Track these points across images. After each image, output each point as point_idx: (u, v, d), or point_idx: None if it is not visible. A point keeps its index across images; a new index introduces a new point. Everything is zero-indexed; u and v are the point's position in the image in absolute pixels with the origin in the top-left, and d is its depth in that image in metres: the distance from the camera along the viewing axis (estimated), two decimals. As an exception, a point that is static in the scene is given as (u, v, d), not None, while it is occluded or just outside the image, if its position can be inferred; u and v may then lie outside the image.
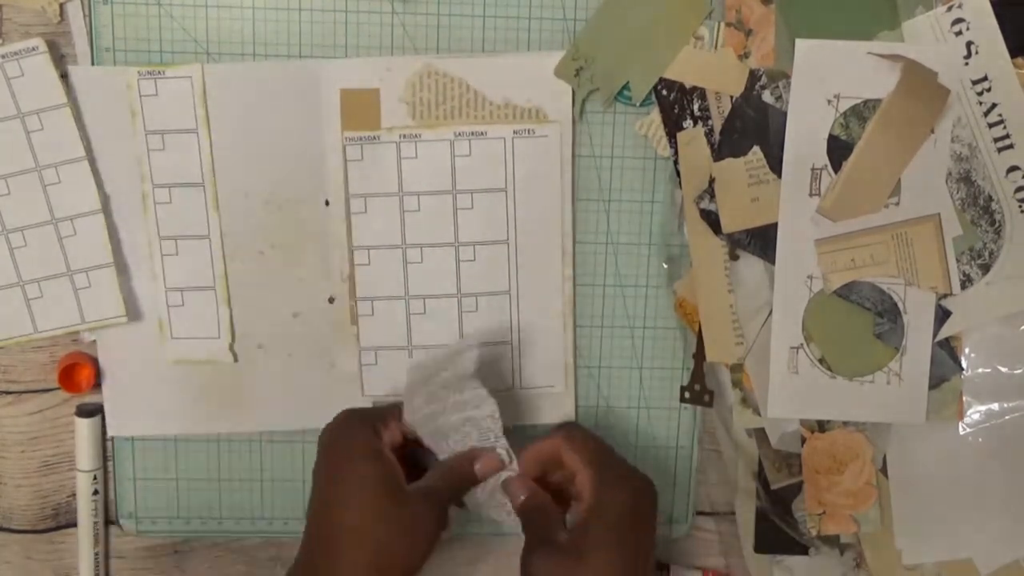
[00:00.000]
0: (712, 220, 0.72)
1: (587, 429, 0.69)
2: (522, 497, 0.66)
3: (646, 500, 0.65)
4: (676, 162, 0.72)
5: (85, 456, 0.75)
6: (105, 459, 0.76)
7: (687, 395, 0.76)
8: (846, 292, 0.72)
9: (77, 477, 0.75)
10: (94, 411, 0.74)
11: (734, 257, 0.73)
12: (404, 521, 0.63)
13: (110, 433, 0.75)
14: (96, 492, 0.76)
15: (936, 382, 0.73)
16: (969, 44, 0.69)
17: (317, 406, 0.74)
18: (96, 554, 0.77)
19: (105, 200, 0.71)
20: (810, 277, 0.72)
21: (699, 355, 0.75)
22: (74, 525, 0.77)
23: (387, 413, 0.69)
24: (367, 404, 0.75)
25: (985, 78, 0.70)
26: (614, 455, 0.67)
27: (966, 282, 0.71)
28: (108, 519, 0.77)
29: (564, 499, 0.68)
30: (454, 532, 0.78)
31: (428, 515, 0.64)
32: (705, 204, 0.72)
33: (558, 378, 0.76)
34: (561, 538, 0.63)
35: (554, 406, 0.77)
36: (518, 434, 0.76)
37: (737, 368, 0.74)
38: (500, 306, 0.74)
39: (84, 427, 0.74)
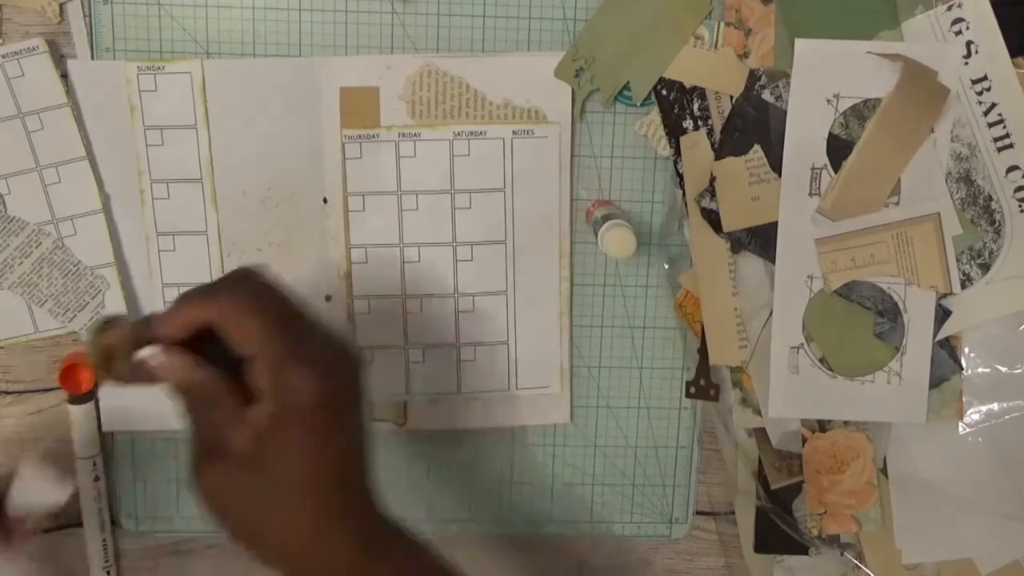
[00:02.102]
0: (713, 219, 0.72)
1: (262, 284, 0.54)
2: (176, 374, 0.51)
3: (346, 377, 0.53)
4: (676, 162, 0.72)
5: (82, 443, 0.75)
6: (105, 459, 0.76)
7: (692, 390, 0.76)
8: (846, 292, 0.72)
9: (77, 465, 0.75)
10: (86, 398, 0.74)
11: (735, 250, 0.72)
12: None
13: (106, 428, 0.75)
14: (97, 479, 0.75)
15: (936, 382, 0.73)
16: (969, 44, 0.69)
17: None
18: (104, 541, 0.77)
19: (105, 200, 0.71)
20: (810, 277, 0.72)
21: (703, 349, 0.74)
22: (74, 525, 0.77)
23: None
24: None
25: (985, 78, 0.69)
26: (298, 323, 0.53)
27: (966, 282, 0.71)
28: (109, 519, 0.77)
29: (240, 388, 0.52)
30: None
31: None
32: (706, 203, 0.72)
33: (554, 379, 0.76)
34: (237, 444, 0.51)
35: (550, 407, 0.77)
36: (517, 433, 0.77)
37: (737, 368, 0.74)
38: (497, 306, 0.74)
39: (78, 413, 0.74)
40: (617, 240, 0.67)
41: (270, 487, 0.51)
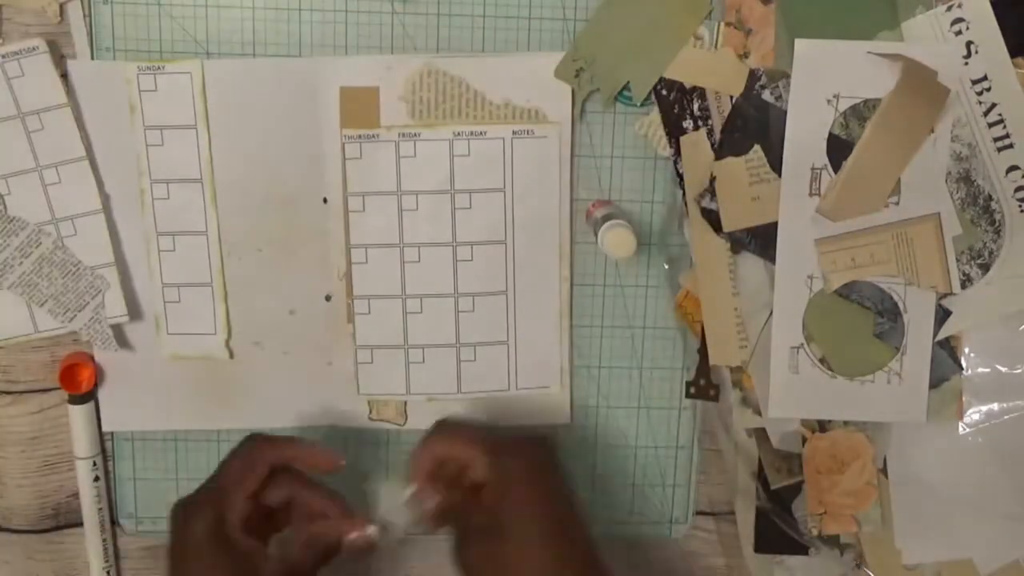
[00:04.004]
0: (713, 219, 0.72)
1: (460, 418, 0.69)
2: (431, 505, 0.65)
3: (542, 453, 0.65)
4: (676, 162, 0.72)
5: (82, 443, 0.75)
6: (105, 459, 0.76)
7: (692, 390, 0.76)
8: (846, 292, 0.72)
9: (77, 465, 0.75)
10: (86, 398, 0.74)
11: (735, 251, 0.72)
12: None
13: (106, 428, 0.75)
14: (97, 479, 0.76)
15: (936, 382, 0.73)
16: (969, 44, 0.69)
17: (313, 403, 0.75)
18: (104, 541, 0.77)
19: (105, 200, 0.71)
20: (810, 277, 0.72)
21: (703, 349, 0.74)
22: (74, 525, 0.78)
23: (226, 488, 0.64)
24: (362, 402, 0.76)
25: (985, 78, 0.69)
26: (496, 430, 0.67)
27: (966, 282, 0.71)
28: (109, 519, 0.77)
29: (469, 492, 0.66)
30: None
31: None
32: (706, 203, 0.72)
33: (554, 379, 0.76)
34: (477, 522, 0.63)
35: (550, 407, 0.77)
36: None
37: (737, 368, 0.74)
38: (497, 306, 0.74)
39: (78, 413, 0.74)
40: (617, 240, 0.67)
41: (510, 541, 0.62)
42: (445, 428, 0.67)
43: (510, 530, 0.61)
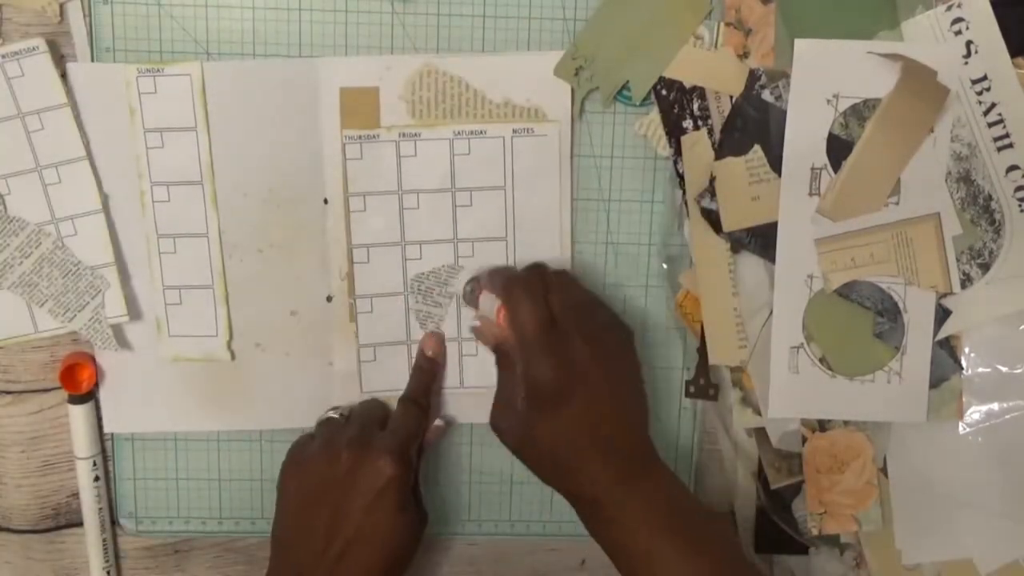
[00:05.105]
0: (713, 219, 0.72)
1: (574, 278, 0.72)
2: (495, 304, 0.70)
3: (615, 339, 0.69)
4: (676, 162, 0.72)
5: (82, 443, 0.75)
6: (105, 459, 0.76)
7: (692, 389, 0.76)
8: (846, 291, 0.72)
9: (77, 465, 0.75)
10: (87, 398, 0.74)
11: (735, 250, 0.72)
12: (409, 525, 0.69)
13: (107, 429, 0.75)
14: (97, 479, 0.75)
15: (936, 382, 0.73)
16: (969, 43, 0.69)
17: (315, 404, 0.75)
18: (104, 540, 0.77)
19: (105, 200, 0.71)
20: (810, 276, 0.72)
21: (703, 349, 0.74)
22: (75, 525, 0.78)
23: (406, 445, 0.70)
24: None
25: (985, 77, 0.69)
26: (596, 302, 0.71)
27: (966, 281, 0.71)
28: (109, 519, 0.77)
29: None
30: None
31: (421, 515, 0.70)
32: (706, 203, 0.72)
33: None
34: (518, 399, 0.66)
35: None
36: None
37: (737, 368, 0.74)
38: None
39: (78, 413, 0.74)
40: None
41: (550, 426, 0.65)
42: (536, 276, 0.69)
43: (571, 401, 0.65)
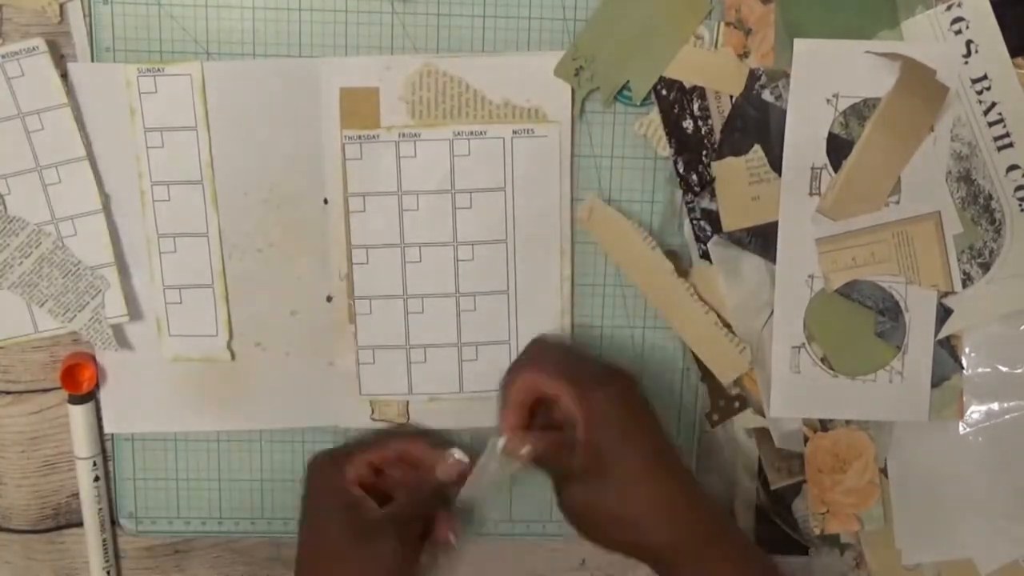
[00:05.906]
0: (713, 219, 0.72)
1: (549, 343, 0.70)
2: (524, 451, 0.65)
3: (629, 389, 0.66)
4: (676, 162, 0.72)
5: (82, 443, 0.74)
6: (105, 459, 0.76)
7: (716, 417, 0.76)
8: (847, 291, 0.72)
9: (77, 465, 0.75)
10: (87, 398, 0.74)
11: (683, 274, 0.73)
12: (368, 552, 0.64)
13: (107, 430, 0.75)
14: (97, 479, 0.75)
15: (936, 381, 0.73)
16: (969, 43, 0.69)
17: (315, 404, 0.75)
18: (104, 540, 0.77)
19: (105, 199, 0.71)
20: (811, 276, 0.72)
21: (706, 378, 0.75)
22: (74, 525, 0.78)
23: (352, 448, 0.69)
24: (364, 402, 0.75)
25: (985, 77, 0.70)
26: (584, 360, 0.69)
27: (967, 280, 0.71)
28: (109, 519, 0.77)
29: (557, 422, 0.67)
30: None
31: (390, 543, 0.64)
32: (705, 203, 0.72)
33: (556, 378, 0.76)
34: (576, 465, 0.64)
35: (553, 405, 0.77)
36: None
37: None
38: (498, 306, 0.74)
39: (78, 413, 0.74)
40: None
41: (611, 481, 0.63)
42: (527, 363, 0.68)
43: (612, 470, 0.63)
